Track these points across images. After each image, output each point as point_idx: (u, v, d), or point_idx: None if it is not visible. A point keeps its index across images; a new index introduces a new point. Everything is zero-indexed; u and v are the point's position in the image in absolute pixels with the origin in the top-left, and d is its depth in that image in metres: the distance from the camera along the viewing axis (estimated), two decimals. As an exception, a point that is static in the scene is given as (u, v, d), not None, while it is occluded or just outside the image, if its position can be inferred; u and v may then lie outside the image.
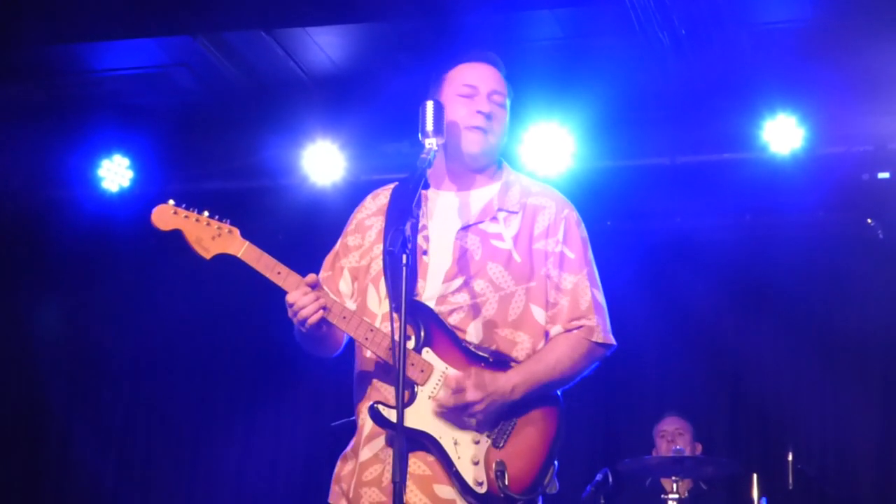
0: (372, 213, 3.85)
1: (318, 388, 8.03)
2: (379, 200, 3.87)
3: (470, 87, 3.76)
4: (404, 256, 3.33)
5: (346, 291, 3.81)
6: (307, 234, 7.58)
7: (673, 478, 6.74)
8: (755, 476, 6.91)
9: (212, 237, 3.72)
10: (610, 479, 6.63)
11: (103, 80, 7.54)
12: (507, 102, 3.81)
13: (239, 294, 7.31)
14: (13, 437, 8.80)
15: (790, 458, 7.01)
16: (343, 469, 3.71)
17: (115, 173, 8.04)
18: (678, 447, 7.01)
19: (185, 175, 7.94)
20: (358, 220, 3.87)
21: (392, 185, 3.86)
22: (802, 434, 7.71)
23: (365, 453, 3.65)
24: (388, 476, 3.56)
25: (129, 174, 8.05)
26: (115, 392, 8.89)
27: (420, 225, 3.60)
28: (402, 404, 3.29)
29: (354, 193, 7.52)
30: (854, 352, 7.89)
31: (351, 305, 3.77)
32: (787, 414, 7.87)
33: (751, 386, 8.07)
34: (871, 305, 7.81)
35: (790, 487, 7.00)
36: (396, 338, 3.50)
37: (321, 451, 8.06)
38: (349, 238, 3.86)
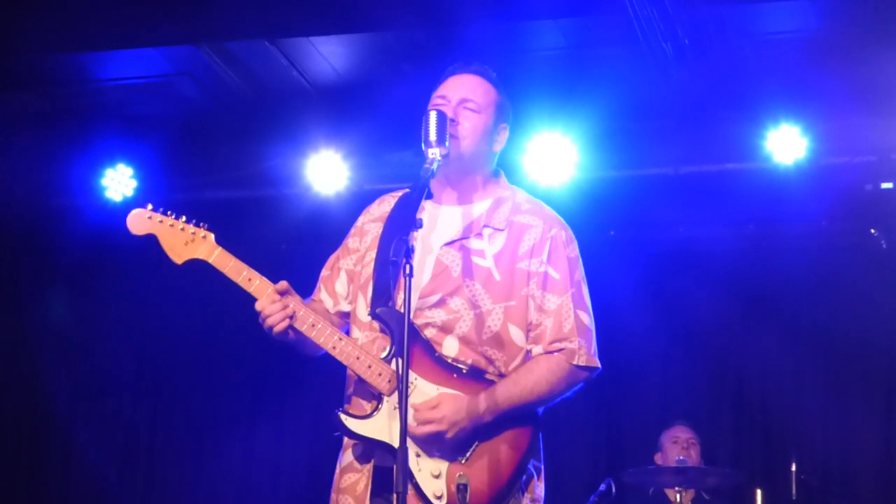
0: (374, 218, 3.85)
1: (321, 393, 8.00)
2: (383, 207, 3.86)
3: (440, 97, 3.73)
4: (407, 266, 3.32)
5: (342, 292, 3.81)
6: (310, 244, 7.57)
7: (676, 488, 6.72)
8: (759, 491, 6.89)
9: (185, 242, 3.72)
10: (613, 490, 6.61)
11: (107, 90, 7.55)
12: (490, 109, 3.72)
13: (241, 300, 7.29)
14: (17, 444, 8.79)
15: (794, 468, 7.00)
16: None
17: (119, 182, 8.03)
18: (681, 458, 6.99)
19: (188, 184, 7.93)
20: (361, 223, 3.87)
21: (400, 192, 3.83)
22: (806, 444, 7.69)
23: (345, 458, 3.66)
24: (363, 486, 3.56)
25: (133, 183, 8.03)
26: (119, 400, 8.89)
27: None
28: (405, 411, 3.26)
29: (358, 203, 7.51)
30: (858, 362, 7.88)
31: (346, 307, 3.77)
32: (790, 424, 7.86)
33: (754, 396, 8.06)
34: (874, 315, 7.78)
35: (794, 498, 6.99)
36: (373, 351, 3.55)
37: (324, 456, 8.06)
38: (350, 240, 3.86)
